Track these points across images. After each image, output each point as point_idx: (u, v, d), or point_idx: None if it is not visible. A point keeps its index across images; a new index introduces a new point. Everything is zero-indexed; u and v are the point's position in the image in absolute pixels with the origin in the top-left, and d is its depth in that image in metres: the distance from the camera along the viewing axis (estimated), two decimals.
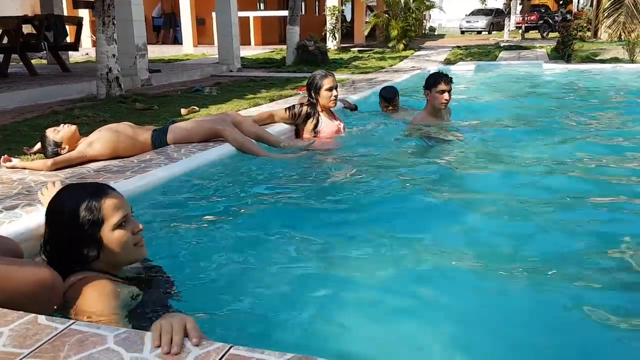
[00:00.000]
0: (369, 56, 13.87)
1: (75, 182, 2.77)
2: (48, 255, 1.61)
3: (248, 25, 16.70)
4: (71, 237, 1.54)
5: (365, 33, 18.99)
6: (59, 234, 1.57)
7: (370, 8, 23.31)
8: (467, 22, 30.83)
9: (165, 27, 17.96)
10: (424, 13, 18.20)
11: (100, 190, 1.59)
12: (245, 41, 15.16)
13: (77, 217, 1.52)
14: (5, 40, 8.23)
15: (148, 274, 1.77)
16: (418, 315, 1.78)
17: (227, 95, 6.61)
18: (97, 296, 1.48)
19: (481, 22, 30.04)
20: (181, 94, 6.85)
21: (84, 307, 1.45)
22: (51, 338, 1.24)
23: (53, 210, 1.58)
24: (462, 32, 30.40)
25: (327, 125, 4.17)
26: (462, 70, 9.40)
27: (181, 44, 15.75)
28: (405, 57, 13.73)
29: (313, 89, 4.14)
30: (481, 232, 2.45)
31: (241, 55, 11.27)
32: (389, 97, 5.06)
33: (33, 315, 1.34)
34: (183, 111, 5.32)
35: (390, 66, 11.40)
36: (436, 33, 31.25)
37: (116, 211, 1.56)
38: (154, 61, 10.40)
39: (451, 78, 4.19)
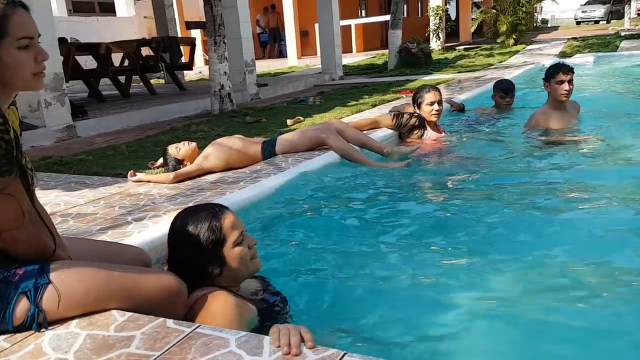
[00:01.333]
0: (475, 53, 13.37)
1: (194, 193, 2.95)
2: (173, 271, 1.69)
3: (350, 32, 16.88)
4: (196, 256, 1.64)
5: (472, 30, 18.38)
6: (184, 255, 1.67)
7: (476, 5, 22.53)
8: (582, 12, 28.73)
9: (270, 42, 18.75)
10: (534, 5, 17.21)
11: (219, 211, 1.67)
12: (347, 49, 15.33)
13: (201, 238, 1.62)
14: (126, 63, 9.02)
15: (262, 293, 1.83)
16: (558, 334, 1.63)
17: (330, 104, 6.71)
18: (222, 310, 1.55)
19: (598, 11, 27.85)
20: (287, 105, 7.07)
21: (210, 320, 1.51)
22: (179, 341, 1.32)
23: (177, 232, 1.67)
24: (578, 23, 28.37)
25: (432, 138, 4.16)
26: (580, 63, 8.74)
27: (286, 57, 16.28)
28: (516, 52, 13.06)
29: (415, 102, 4.21)
30: (616, 249, 2.17)
31: (343, 63, 11.39)
32: (505, 87, 4.84)
33: (162, 319, 1.44)
34: (289, 122, 5.48)
35: (500, 62, 10.91)
36: (549, 25, 29.43)
37: (235, 229, 1.66)
38: (261, 75, 10.84)
39: (571, 68, 3.95)
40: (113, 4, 18.39)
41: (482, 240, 2.35)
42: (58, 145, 5.22)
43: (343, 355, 1.19)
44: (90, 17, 16.49)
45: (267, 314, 1.69)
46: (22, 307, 1.42)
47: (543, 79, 4.06)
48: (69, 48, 7.27)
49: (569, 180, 3.07)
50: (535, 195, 2.84)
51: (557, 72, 3.90)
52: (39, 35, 1.47)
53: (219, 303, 1.57)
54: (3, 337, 1.42)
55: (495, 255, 2.16)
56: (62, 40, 7.14)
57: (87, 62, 8.90)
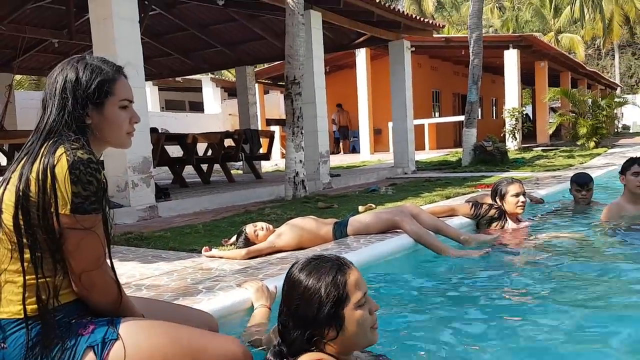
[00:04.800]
0: (554, 154, 13.06)
1: (264, 267, 2.94)
2: (281, 329, 1.54)
3: (423, 131, 17.19)
4: (312, 313, 1.45)
5: (550, 132, 18.15)
6: (298, 310, 1.47)
7: (553, 109, 22.42)
8: None
9: (342, 138, 19.55)
10: (615, 110, 16.86)
11: (345, 265, 1.50)
12: (420, 146, 15.53)
13: (322, 293, 1.44)
14: (209, 153, 9.57)
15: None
16: None
17: (403, 194, 6.68)
18: None
19: None
20: (359, 194, 7.12)
21: None
22: None
23: (294, 282, 1.49)
24: None
25: (513, 228, 4.02)
26: None
27: (359, 152, 16.71)
28: (597, 154, 12.65)
29: (498, 195, 4.08)
30: None
31: (416, 159, 11.48)
32: (582, 182, 4.65)
33: None
34: (360, 208, 5.48)
35: (580, 164, 10.56)
36: (631, 131, 28.56)
37: (359, 289, 1.48)
38: (333, 168, 11.11)
39: None
40: (202, 103, 20.00)
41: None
42: (140, 223, 5.48)
43: None
44: (181, 113, 17.93)
45: None
46: None
47: (619, 172, 4.00)
48: (159, 137, 7.85)
49: None
50: (614, 295, 2.59)
51: (632, 164, 3.86)
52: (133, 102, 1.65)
53: None
54: None
55: None
56: (153, 130, 7.73)
57: (174, 152, 9.53)
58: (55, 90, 1.53)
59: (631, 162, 3.89)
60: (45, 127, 1.51)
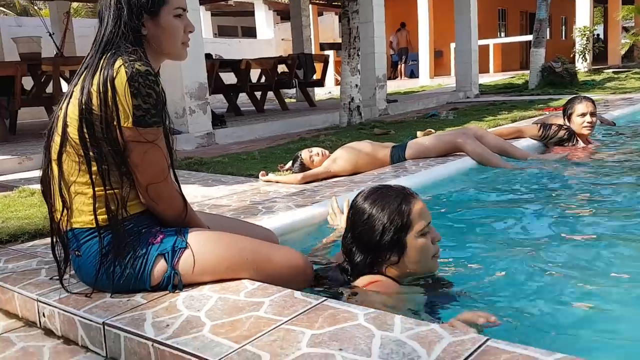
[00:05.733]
0: (626, 76, 12.18)
1: (321, 189, 2.94)
2: (346, 252, 1.61)
3: (487, 53, 16.31)
4: (376, 238, 1.50)
5: (622, 53, 16.84)
6: (363, 234, 1.53)
7: (625, 29, 20.69)
8: None
9: (400, 61, 18.73)
10: None
11: (410, 195, 1.55)
12: (484, 69, 14.78)
13: (386, 219, 1.49)
14: (263, 79, 9.51)
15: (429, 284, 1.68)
16: None
17: (464, 119, 6.44)
18: (395, 304, 1.45)
19: None
20: (417, 120, 6.93)
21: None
22: (306, 310, 1.27)
23: (359, 209, 1.55)
24: None
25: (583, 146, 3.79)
26: None
27: (417, 77, 16.14)
28: None
29: (566, 114, 3.87)
30: None
31: (479, 83, 10.99)
32: None
33: (290, 290, 1.41)
34: (419, 134, 5.31)
35: None
36: None
37: (422, 218, 1.52)
38: (390, 94, 10.83)
39: None
40: (254, 28, 19.69)
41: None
42: (198, 149, 5.59)
43: (485, 341, 1.05)
44: (233, 39, 17.78)
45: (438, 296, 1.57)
46: (159, 268, 1.47)
47: None
48: (213, 63, 7.82)
49: None
50: None
51: None
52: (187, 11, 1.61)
53: (397, 291, 1.47)
54: (140, 294, 1.48)
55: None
56: (207, 56, 7.70)
57: (228, 79, 9.51)
58: (110, 1, 1.50)
59: None
60: (102, 39, 1.50)
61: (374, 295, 1.47)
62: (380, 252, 1.50)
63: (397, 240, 1.48)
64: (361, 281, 1.52)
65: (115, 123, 1.41)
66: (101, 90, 1.40)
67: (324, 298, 1.33)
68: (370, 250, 1.51)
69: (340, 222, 2.19)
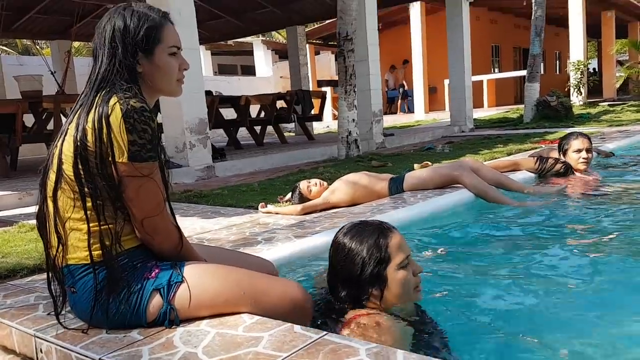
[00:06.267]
0: (622, 109, 12.32)
1: (321, 220, 2.94)
2: (330, 289, 1.63)
3: (481, 88, 16.54)
4: (357, 274, 1.53)
5: (617, 86, 17.09)
6: (344, 271, 1.56)
7: (620, 62, 21.08)
8: None
9: (402, 98, 19.09)
10: None
11: (387, 229, 1.58)
12: (478, 104, 14.98)
13: (365, 254, 1.52)
14: (262, 115, 9.61)
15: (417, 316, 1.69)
16: None
17: (460, 152, 6.48)
18: (384, 336, 1.45)
19: None
20: (413, 152, 6.98)
21: (375, 337, 1.43)
22: (306, 345, 1.25)
23: (339, 245, 1.59)
24: None
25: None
26: None
27: (412, 112, 16.33)
28: None
29: (561, 149, 3.94)
30: None
31: (474, 117, 11.11)
32: None
33: (290, 324, 1.39)
34: (416, 166, 5.34)
35: None
36: None
37: (401, 251, 1.56)
38: (387, 128, 10.93)
39: None
40: (253, 67, 20.04)
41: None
42: (198, 182, 5.61)
43: None
44: (233, 77, 18.05)
45: (419, 338, 1.55)
46: (155, 303, 1.45)
47: None
48: (214, 99, 7.93)
49: None
50: None
51: None
52: (182, 49, 1.63)
53: (381, 328, 1.46)
54: (137, 330, 1.46)
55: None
56: (207, 93, 7.81)
57: (228, 115, 9.62)
58: (105, 39, 1.52)
59: None
60: (97, 77, 1.51)
61: (363, 329, 1.46)
62: (362, 287, 1.53)
63: (377, 274, 1.52)
64: (347, 315, 1.53)
65: (110, 159, 1.41)
66: (96, 127, 1.41)
67: (325, 332, 1.31)
68: (352, 285, 1.54)
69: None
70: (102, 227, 1.45)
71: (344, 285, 1.56)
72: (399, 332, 1.47)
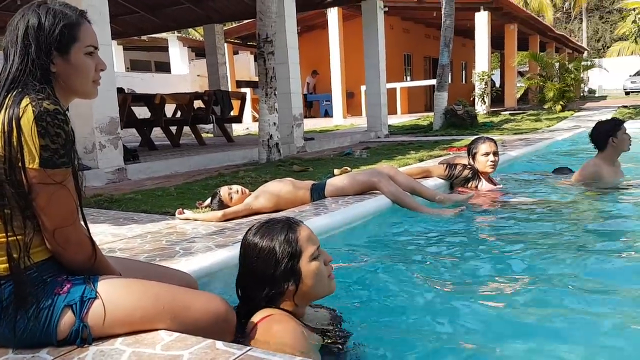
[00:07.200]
0: (522, 118, 13.26)
1: (242, 228, 2.90)
2: (242, 292, 1.63)
3: (395, 95, 17.14)
4: (270, 270, 1.54)
5: (517, 96, 18.38)
6: (257, 270, 1.56)
7: (520, 73, 22.67)
8: (632, 82, 28.43)
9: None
10: (582, 74, 17.11)
11: (294, 223, 1.61)
12: (392, 110, 15.51)
13: (277, 250, 1.54)
14: (178, 114, 9.33)
15: (329, 326, 1.72)
16: None
17: (377, 157, 6.68)
18: (290, 337, 1.45)
19: None
20: (333, 157, 7.09)
21: (278, 344, 1.42)
22: None
23: (250, 245, 1.59)
24: (627, 94, 28.03)
25: (486, 189, 4.07)
26: (635, 129, 8.47)
27: (331, 116, 16.58)
28: (564, 118, 12.88)
29: (470, 153, 4.14)
30: None
31: (388, 123, 11.48)
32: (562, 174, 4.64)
33: (211, 340, 1.35)
34: (336, 171, 5.44)
35: (547, 127, 10.74)
36: (596, 95, 29.14)
37: (311, 242, 1.58)
38: (307, 132, 11.02)
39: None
40: (168, 64, 19.42)
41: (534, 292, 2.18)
42: (109, 186, 5.34)
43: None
44: (147, 74, 17.39)
45: (327, 349, 1.57)
46: (66, 320, 1.37)
47: (608, 135, 3.91)
48: (126, 97, 7.57)
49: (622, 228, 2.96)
50: (589, 245, 2.71)
51: (621, 124, 3.90)
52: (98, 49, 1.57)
53: (287, 328, 1.46)
54: (46, 349, 1.36)
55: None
56: (119, 90, 7.46)
57: (141, 113, 9.24)
58: (17, 37, 1.42)
59: (618, 123, 3.93)
60: (8, 76, 1.41)
61: (279, 330, 1.46)
62: (277, 283, 1.54)
63: (291, 268, 1.53)
64: (256, 317, 1.53)
65: (19, 164, 1.32)
66: (6, 130, 1.32)
67: (248, 348, 1.29)
68: (266, 283, 1.54)
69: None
70: (9, 238, 1.36)
71: (258, 285, 1.55)
72: (306, 335, 1.48)
